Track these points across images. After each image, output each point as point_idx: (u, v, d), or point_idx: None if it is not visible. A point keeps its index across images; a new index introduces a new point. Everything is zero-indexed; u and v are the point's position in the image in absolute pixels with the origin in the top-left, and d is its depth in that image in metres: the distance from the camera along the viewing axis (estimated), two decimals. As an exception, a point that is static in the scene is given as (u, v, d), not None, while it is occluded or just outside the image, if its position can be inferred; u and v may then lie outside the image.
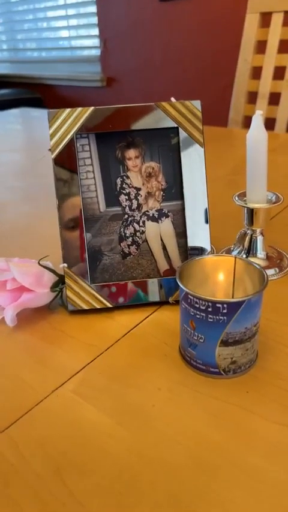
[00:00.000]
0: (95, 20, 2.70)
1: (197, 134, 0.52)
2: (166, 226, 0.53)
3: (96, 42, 2.77)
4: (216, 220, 0.66)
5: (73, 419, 0.39)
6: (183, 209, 0.53)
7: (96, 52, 2.79)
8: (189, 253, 0.53)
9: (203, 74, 2.32)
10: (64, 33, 3.00)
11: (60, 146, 0.50)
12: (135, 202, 0.53)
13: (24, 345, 0.48)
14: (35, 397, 0.41)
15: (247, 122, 1.62)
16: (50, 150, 0.51)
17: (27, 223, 0.81)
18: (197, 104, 0.52)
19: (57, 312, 0.53)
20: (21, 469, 0.35)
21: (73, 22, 2.90)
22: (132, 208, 0.53)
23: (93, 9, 2.68)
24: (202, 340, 0.40)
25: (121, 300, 0.52)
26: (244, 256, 0.59)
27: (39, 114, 1.89)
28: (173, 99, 0.52)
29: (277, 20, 1.50)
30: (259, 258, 0.59)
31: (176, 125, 0.52)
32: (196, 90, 2.35)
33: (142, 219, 0.53)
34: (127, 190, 0.52)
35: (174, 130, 0.52)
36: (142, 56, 2.54)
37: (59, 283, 0.52)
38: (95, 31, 2.73)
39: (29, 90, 3.09)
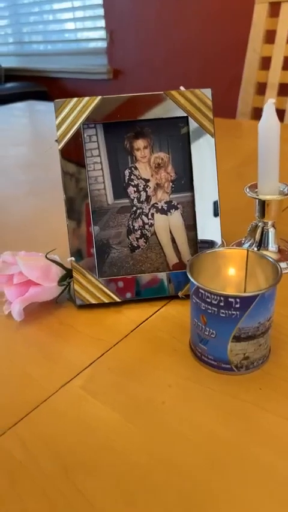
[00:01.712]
0: (101, 11, 2.67)
1: (207, 124, 0.50)
2: (175, 218, 0.52)
3: (102, 34, 2.75)
4: (226, 214, 0.65)
5: (81, 416, 0.38)
6: (193, 201, 0.51)
7: (103, 44, 2.77)
8: (199, 246, 0.52)
9: (211, 65, 2.29)
10: (70, 26, 2.97)
11: (67, 137, 0.49)
12: (143, 194, 0.51)
13: (32, 339, 0.47)
14: (43, 394, 0.40)
15: (256, 114, 1.60)
16: (56, 141, 0.49)
17: (34, 216, 0.80)
18: (207, 93, 0.50)
19: (65, 306, 0.52)
20: (29, 467, 0.34)
21: (79, 14, 2.88)
22: (141, 200, 0.51)
23: (99, 0, 2.65)
24: (213, 336, 0.39)
25: (128, 295, 0.51)
26: (255, 249, 0.58)
27: (45, 108, 1.87)
28: (182, 87, 0.51)
29: (286, 9, 1.47)
30: (271, 251, 0.58)
31: (185, 114, 0.50)
32: (204, 82, 2.32)
33: (151, 211, 0.52)
34: (135, 182, 0.51)
35: (184, 120, 0.50)
36: (149, 47, 2.51)
37: (67, 277, 0.51)
38: (101, 23, 2.71)
39: (34, 83, 3.08)
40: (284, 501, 0.30)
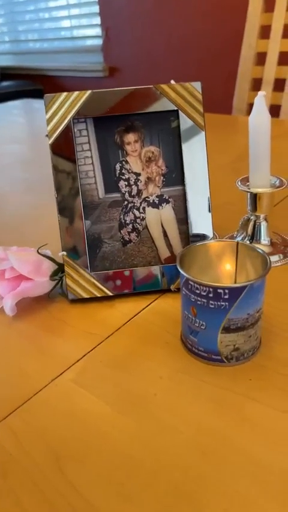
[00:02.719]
0: (96, 9, 2.67)
1: (197, 117, 0.50)
2: (167, 212, 0.52)
3: (98, 31, 2.74)
4: (219, 208, 0.65)
5: (73, 408, 0.38)
6: (185, 194, 0.51)
7: (98, 42, 2.76)
8: (191, 240, 0.52)
9: (206, 61, 2.28)
10: (66, 23, 2.96)
11: (57, 132, 0.49)
12: (135, 188, 0.51)
13: (24, 334, 0.48)
14: (35, 386, 0.40)
15: (251, 109, 1.59)
16: (47, 135, 0.49)
17: (27, 212, 0.80)
18: (197, 86, 0.50)
19: (57, 301, 0.52)
20: (20, 459, 0.34)
21: (74, 11, 2.87)
22: (132, 194, 0.51)
23: (94, -3, 2.65)
24: (203, 327, 0.39)
25: (125, 291, 0.51)
26: (247, 242, 0.58)
27: (41, 106, 1.87)
28: (172, 81, 0.51)
29: (281, 4, 1.47)
30: (263, 244, 0.58)
31: (175, 108, 0.50)
32: (200, 78, 2.31)
33: (142, 205, 0.52)
34: (126, 176, 0.51)
35: (174, 114, 0.50)
36: (145, 44, 2.51)
37: (59, 271, 0.51)
38: (97, 20, 2.70)
39: (31, 81, 3.07)
40: (274, 491, 0.30)
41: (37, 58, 3.21)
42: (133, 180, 0.51)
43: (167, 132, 0.51)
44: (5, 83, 3.02)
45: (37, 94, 2.84)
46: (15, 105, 1.92)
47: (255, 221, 0.58)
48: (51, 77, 3.10)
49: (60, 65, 3.02)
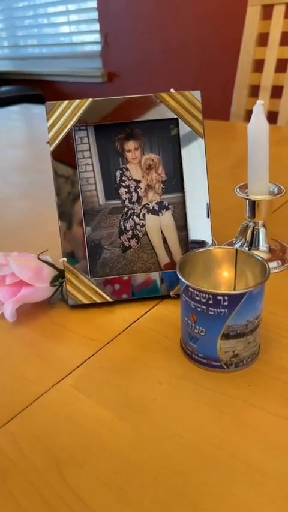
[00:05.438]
0: (95, 15, 2.69)
1: (197, 125, 0.51)
2: (166, 219, 0.52)
3: (97, 37, 2.76)
4: (218, 214, 0.66)
5: (73, 413, 0.38)
6: (184, 201, 0.52)
7: (97, 47, 2.78)
8: (190, 246, 0.52)
9: (205, 67, 2.30)
10: (65, 29, 2.98)
11: (59, 139, 0.50)
12: (135, 195, 0.52)
13: (24, 339, 0.48)
14: (35, 392, 0.41)
15: (249, 116, 1.60)
16: (48, 143, 0.50)
17: (27, 218, 0.81)
18: (196, 95, 0.51)
19: (58, 307, 0.52)
20: (21, 464, 0.34)
21: (73, 17, 2.89)
22: (132, 201, 0.52)
23: (93, 4, 2.67)
24: (203, 334, 0.40)
25: (124, 296, 0.51)
26: (246, 249, 0.59)
27: (40, 111, 1.88)
28: (172, 90, 0.52)
29: (279, 12, 1.48)
30: (261, 251, 0.58)
31: (175, 116, 0.51)
32: (198, 84, 2.33)
33: (142, 212, 0.52)
34: (127, 183, 0.52)
35: (174, 122, 0.51)
36: (143, 50, 2.52)
37: (59, 277, 0.52)
38: (96, 26, 2.72)
39: (30, 86, 3.08)
40: (274, 496, 0.31)
41: (36, 63, 3.22)
42: (133, 187, 0.52)
43: (166, 140, 0.51)
44: (4, 88, 3.04)
45: (36, 99, 2.85)
46: (14, 110, 1.93)
47: (253, 228, 0.58)
48: (50, 82, 3.11)
49: (59, 70, 3.03)
